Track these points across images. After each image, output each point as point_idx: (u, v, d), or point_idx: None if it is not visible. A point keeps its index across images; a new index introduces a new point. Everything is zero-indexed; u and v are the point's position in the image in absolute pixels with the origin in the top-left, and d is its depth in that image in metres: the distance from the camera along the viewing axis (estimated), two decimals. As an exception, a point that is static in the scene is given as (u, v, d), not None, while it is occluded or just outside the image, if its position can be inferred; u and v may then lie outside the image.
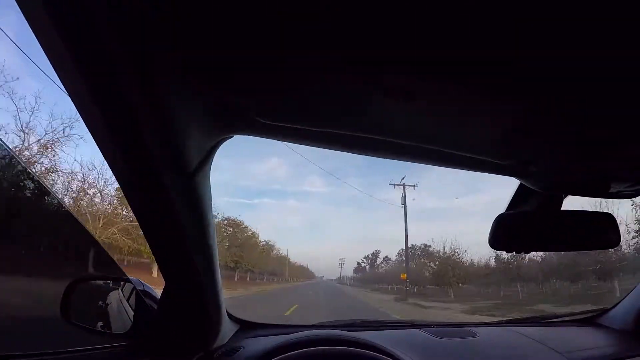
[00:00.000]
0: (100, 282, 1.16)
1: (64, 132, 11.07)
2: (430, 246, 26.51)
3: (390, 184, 23.62)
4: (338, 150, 0.76)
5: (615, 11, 0.42)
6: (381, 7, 0.42)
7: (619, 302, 1.49)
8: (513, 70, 0.52)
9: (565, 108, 0.61)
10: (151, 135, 0.59)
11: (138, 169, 0.64)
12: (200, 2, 0.43)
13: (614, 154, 0.74)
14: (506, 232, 0.87)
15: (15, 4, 0.42)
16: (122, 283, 1.15)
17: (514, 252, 0.91)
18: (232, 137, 0.72)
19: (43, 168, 10.64)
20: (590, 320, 1.55)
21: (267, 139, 0.73)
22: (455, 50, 0.48)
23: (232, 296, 16.11)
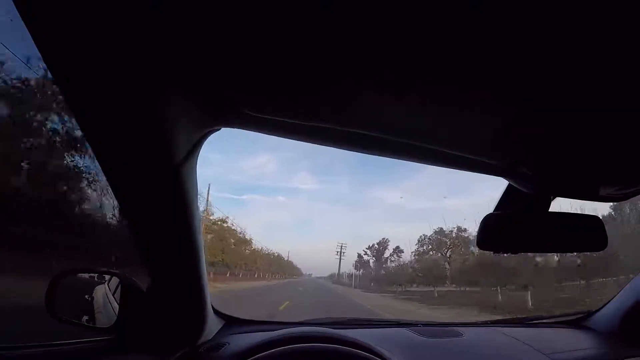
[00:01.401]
0: (86, 275, 1.14)
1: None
2: (463, 228, 20.06)
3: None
4: (328, 145, 0.75)
5: (611, 14, 0.42)
6: (374, 3, 0.42)
7: (605, 305, 1.51)
8: (506, 70, 0.52)
9: (558, 110, 0.61)
10: (138, 125, 0.58)
11: (123, 159, 0.63)
12: None
13: (604, 157, 0.75)
14: (493, 232, 0.87)
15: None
16: (108, 277, 1.13)
17: (501, 253, 0.91)
18: (220, 129, 0.71)
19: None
20: (576, 323, 1.57)
21: (254, 132, 0.72)
22: (448, 48, 0.48)
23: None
